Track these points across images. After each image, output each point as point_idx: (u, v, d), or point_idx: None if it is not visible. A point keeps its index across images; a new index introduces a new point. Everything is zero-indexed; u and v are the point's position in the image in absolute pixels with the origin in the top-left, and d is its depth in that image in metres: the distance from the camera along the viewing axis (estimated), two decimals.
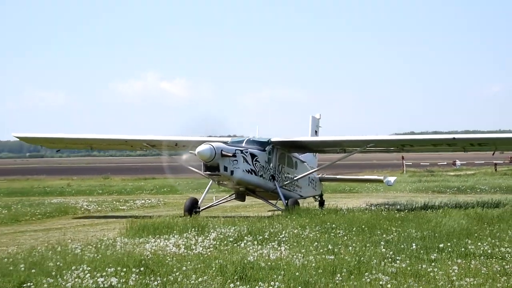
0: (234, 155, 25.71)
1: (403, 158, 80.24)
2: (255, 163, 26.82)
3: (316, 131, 34.45)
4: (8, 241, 21.29)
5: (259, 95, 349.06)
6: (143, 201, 37.18)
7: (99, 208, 33.97)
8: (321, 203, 32.38)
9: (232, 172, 25.77)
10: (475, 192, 43.13)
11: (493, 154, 31.84)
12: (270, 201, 29.05)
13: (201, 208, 27.42)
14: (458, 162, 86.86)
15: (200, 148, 25.34)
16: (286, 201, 27.09)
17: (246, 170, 26.33)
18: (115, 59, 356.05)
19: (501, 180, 52.03)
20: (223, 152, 25.27)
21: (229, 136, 29.91)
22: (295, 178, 29.36)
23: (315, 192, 32.82)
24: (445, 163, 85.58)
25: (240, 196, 28.88)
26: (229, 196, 29.67)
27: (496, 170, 71.09)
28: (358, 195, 43.12)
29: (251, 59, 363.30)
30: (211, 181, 27.50)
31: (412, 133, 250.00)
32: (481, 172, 68.29)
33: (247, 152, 26.59)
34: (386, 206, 29.79)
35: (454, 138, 26.90)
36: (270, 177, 27.61)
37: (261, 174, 27.14)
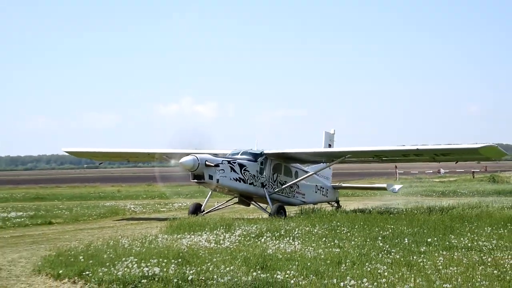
0: (217, 165, 24.83)
1: (396, 167, 79.93)
2: (244, 172, 25.90)
3: (330, 145, 32.69)
4: (70, 237, 21.37)
5: (274, 114, 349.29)
6: (180, 204, 37.12)
7: (143, 210, 34.03)
8: (337, 207, 30.85)
9: (217, 180, 24.99)
10: (457, 195, 42.93)
11: (456, 163, 29.54)
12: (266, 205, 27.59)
13: (203, 212, 26.34)
14: (442, 170, 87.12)
15: (183, 159, 24.80)
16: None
17: (234, 178, 25.47)
18: (159, 86, 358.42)
19: (478, 185, 52.15)
20: (207, 163, 24.53)
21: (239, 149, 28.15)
22: (283, 186, 27.49)
23: (326, 198, 31.29)
24: (431, 171, 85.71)
25: (242, 202, 27.74)
26: (227, 201, 28.39)
27: (474, 177, 71.03)
28: (358, 198, 42.98)
29: (268, 82, 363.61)
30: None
31: (403, 146, 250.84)
32: (462, 179, 68.30)
33: (235, 162, 25.71)
34: (383, 207, 29.76)
35: (417, 149, 25.79)
36: (261, 185, 26.54)
37: (251, 182, 26.11)
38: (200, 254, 14.35)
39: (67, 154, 35.62)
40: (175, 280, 11.82)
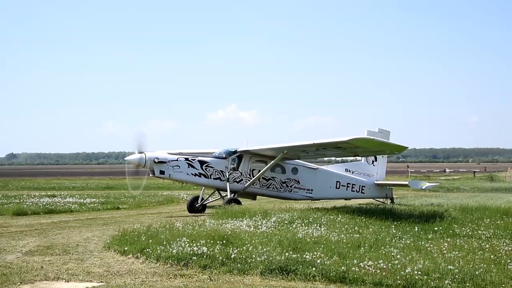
0: (162, 162, 23.53)
1: (408, 166, 79.08)
2: (206, 168, 24.31)
3: None
4: (133, 220, 21.60)
5: (306, 121, 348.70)
6: (224, 195, 37.16)
7: (208, 199, 34.07)
8: (391, 203, 27.75)
9: (169, 174, 23.83)
10: (460, 191, 42.21)
11: (359, 156, 25.42)
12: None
13: (199, 203, 25.48)
14: (447, 170, 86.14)
15: (128, 157, 24.25)
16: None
17: (192, 174, 24.04)
18: (210, 95, 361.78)
19: (478, 183, 51.33)
20: (156, 160, 23.54)
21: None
22: (251, 180, 24.66)
23: (361, 195, 27.50)
24: (438, 170, 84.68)
25: (245, 195, 25.84)
26: (222, 196, 25.77)
27: (474, 176, 69.93)
28: None
29: (303, 90, 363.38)
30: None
31: (414, 149, 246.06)
32: (464, 177, 67.27)
33: (194, 160, 24.31)
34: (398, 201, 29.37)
35: (313, 143, 22.33)
36: (233, 180, 24.54)
37: (217, 177, 24.35)
38: (241, 236, 14.32)
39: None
40: (220, 258, 11.86)
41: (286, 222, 17.80)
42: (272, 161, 24.32)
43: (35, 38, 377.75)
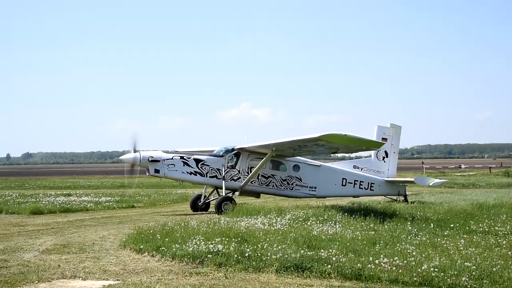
0: (156, 161, 23.57)
1: (423, 163, 78.67)
2: (202, 166, 24.21)
3: (384, 138, 27.31)
4: (148, 219, 21.69)
5: (319, 119, 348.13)
6: (237, 192, 37.18)
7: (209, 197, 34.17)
8: (404, 201, 26.68)
9: (165, 173, 23.92)
10: (475, 187, 41.89)
11: (334, 152, 24.07)
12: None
13: (202, 202, 25.35)
14: (462, 166, 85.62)
15: (123, 156, 24.50)
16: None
17: (188, 172, 24.02)
18: (222, 93, 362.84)
19: (494, 179, 50.84)
20: (151, 159, 23.66)
21: None
22: (245, 177, 24.40)
23: (371, 192, 26.73)
24: (453, 166, 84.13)
25: (247, 194, 25.50)
26: (231, 193, 25.34)
27: (490, 171, 69.41)
28: None
29: (315, 88, 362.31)
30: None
31: (429, 145, 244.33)
32: (480, 173, 66.74)
33: (189, 158, 24.11)
34: (412, 198, 29.15)
35: (292, 140, 21.70)
36: (230, 178, 24.38)
37: (214, 175, 24.21)
38: (256, 234, 14.33)
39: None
40: (235, 256, 11.87)
41: (300, 219, 17.77)
42: (263, 159, 23.88)
43: (49, 36, 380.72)
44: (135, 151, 23.94)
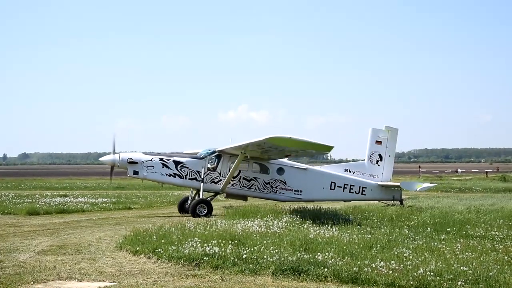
0: (134, 162, 23.67)
1: (420, 167, 78.82)
2: (181, 169, 24.06)
3: (378, 141, 26.80)
4: (145, 220, 21.66)
5: (321, 119, 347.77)
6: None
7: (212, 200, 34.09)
8: (400, 203, 25.94)
9: (144, 175, 23.92)
10: (472, 191, 41.99)
11: (285, 156, 23.91)
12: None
13: (188, 205, 24.66)
14: (459, 170, 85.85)
15: (102, 157, 24.79)
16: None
17: (167, 174, 23.95)
18: (222, 96, 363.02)
19: (490, 183, 51.15)
20: (129, 160, 23.79)
21: None
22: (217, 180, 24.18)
23: (363, 196, 25.69)
24: (450, 170, 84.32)
25: (232, 196, 25.29)
26: (213, 196, 25.49)
27: (487, 176, 69.54)
28: None
29: (316, 91, 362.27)
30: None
31: (426, 150, 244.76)
32: (476, 178, 67.06)
33: (169, 160, 24.03)
34: (408, 202, 29.07)
35: (244, 144, 21.92)
36: (210, 180, 24.12)
37: (194, 178, 23.96)
38: (253, 237, 14.34)
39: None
40: (232, 258, 11.85)
41: (297, 222, 17.79)
42: (236, 161, 23.52)
43: (46, 36, 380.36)
44: (114, 152, 24.11)
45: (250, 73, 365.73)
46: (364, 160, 27.03)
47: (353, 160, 29.82)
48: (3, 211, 24.73)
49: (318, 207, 23.28)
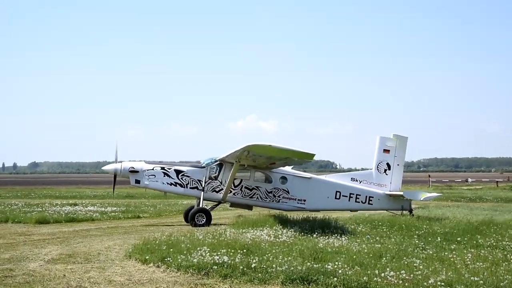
0: (136, 171, 24.00)
1: (429, 176, 78.50)
2: (182, 177, 24.17)
3: (386, 150, 26.15)
4: (154, 229, 21.65)
5: (325, 129, 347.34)
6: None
7: (215, 208, 34.12)
8: (410, 212, 25.29)
9: (145, 184, 24.15)
10: (482, 201, 41.67)
11: (271, 164, 23.56)
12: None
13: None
14: (469, 180, 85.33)
15: (104, 166, 25.11)
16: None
17: (168, 183, 24.13)
18: (229, 106, 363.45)
19: (501, 193, 50.84)
20: (131, 169, 24.06)
21: None
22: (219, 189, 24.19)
23: (370, 206, 25.10)
24: (460, 180, 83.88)
25: (236, 206, 25.21)
26: (215, 205, 25.65)
27: (497, 185, 69.13)
28: None
29: (322, 101, 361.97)
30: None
31: (436, 159, 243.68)
32: (487, 187, 66.55)
33: (170, 169, 24.21)
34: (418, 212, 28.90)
35: (232, 152, 22.02)
36: (211, 189, 24.19)
37: (195, 187, 24.06)
38: (262, 246, 14.32)
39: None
40: (241, 267, 11.83)
41: (306, 231, 17.74)
42: (232, 170, 23.40)
43: (58, 42, 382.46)
44: (117, 161, 24.26)
45: (259, 82, 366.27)
46: (372, 169, 26.45)
47: (362, 169, 29.37)
48: (13, 220, 24.85)
49: (327, 217, 23.19)
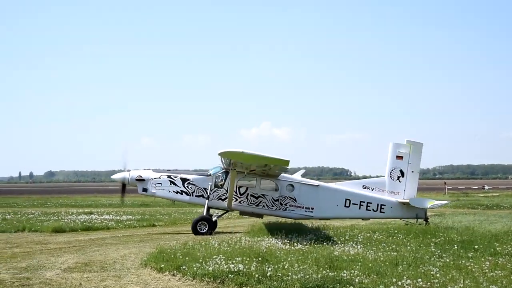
0: (143, 180, 24.24)
1: (445, 183, 77.89)
2: (188, 186, 24.24)
3: (399, 156, 25.30)
4: (169, 237, 21.70)
5: (341, 136, 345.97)
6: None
7: (229, 217, 34.10)
8: (425, 221, 24.64)
9: (152, 192, 24.35)
10: (500, 208, 41.22)
11: (251, 171, 23.31)
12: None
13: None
14: (486, 187, 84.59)
15: (113, 175, 25.17)
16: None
17: (174, 191, 24.26)
18: (245, 113, 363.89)
19: None
20: (138, 178, 24.28)
21: None
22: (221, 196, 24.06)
23: (381, 215, 24.33)
24: (476, 187, 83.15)
25: (244, 214, 24.99)
26: (223, 213, 25.48)
27: None
28: None
29: (336, 110, 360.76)
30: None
31: (451, 166, 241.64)
32: (504, 194, 65.80)
33: (176, 177, 24.32)
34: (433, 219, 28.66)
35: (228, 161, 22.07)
36: (217, 197, 24.07)
37: (200, 195, 24.03)
38: (277, 254, 14.28)
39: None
40: (256, 276, 11.79)
41: (321, 239, 17.67)
42: (228, 177, 23.40)
43: (74, 57, 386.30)
44: (125, 170, 24.53)
45: (273, 89, 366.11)
46: (385, 176, 25.63)
47: (377, 177, 28.88)
48: (30, 229, 25.04)
49: (342, 225, 23.08)
